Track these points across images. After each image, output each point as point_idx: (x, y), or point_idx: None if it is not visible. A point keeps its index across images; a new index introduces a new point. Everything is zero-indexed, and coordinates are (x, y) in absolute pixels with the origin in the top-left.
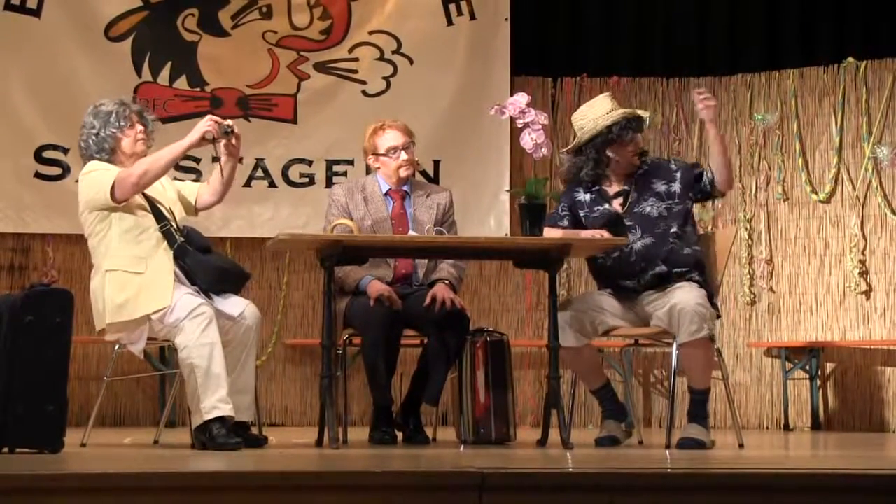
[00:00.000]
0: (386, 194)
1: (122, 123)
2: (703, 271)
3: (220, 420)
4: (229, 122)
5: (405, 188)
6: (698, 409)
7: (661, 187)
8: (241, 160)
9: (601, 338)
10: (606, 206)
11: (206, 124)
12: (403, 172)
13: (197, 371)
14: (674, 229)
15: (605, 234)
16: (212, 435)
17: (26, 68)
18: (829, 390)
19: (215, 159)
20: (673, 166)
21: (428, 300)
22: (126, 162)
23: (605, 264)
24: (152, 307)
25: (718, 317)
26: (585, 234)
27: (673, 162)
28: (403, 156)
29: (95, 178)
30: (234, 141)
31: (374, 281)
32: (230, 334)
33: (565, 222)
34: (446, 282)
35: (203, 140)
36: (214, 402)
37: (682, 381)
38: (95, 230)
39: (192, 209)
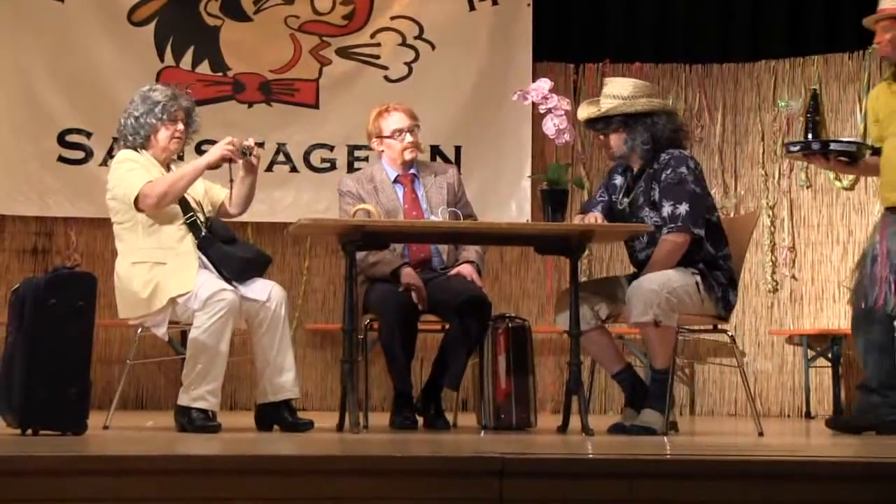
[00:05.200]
0: (395, 181)
1: (165, 116)
2: (715, 266)
3: (203, 411)
4: (249, 141)
5: (412, 171)
6: (654, 389)
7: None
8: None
9: (619, 324)
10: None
11: (225, 147)
12: (408, 155)
13: (204, 352)
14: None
15: (599, 218)
16: (191, 418)
17: (50, 53)
18: (851, 378)
19: (231, 180)
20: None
21: (454, 272)
22: (158, 153)
23: (631, 254)
24: (175, 291)
25: (731, 307)
26: (577, 218)
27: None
28: (408, 138)
29: (125, 178)
30: (253, 160)
31: (409, 269)
32: (260, 316)
33: (598, 209)
34: (473, 262)
35: (223, 159)
36: (204, 392)
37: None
38: (123, 217)
39: (217, 211)
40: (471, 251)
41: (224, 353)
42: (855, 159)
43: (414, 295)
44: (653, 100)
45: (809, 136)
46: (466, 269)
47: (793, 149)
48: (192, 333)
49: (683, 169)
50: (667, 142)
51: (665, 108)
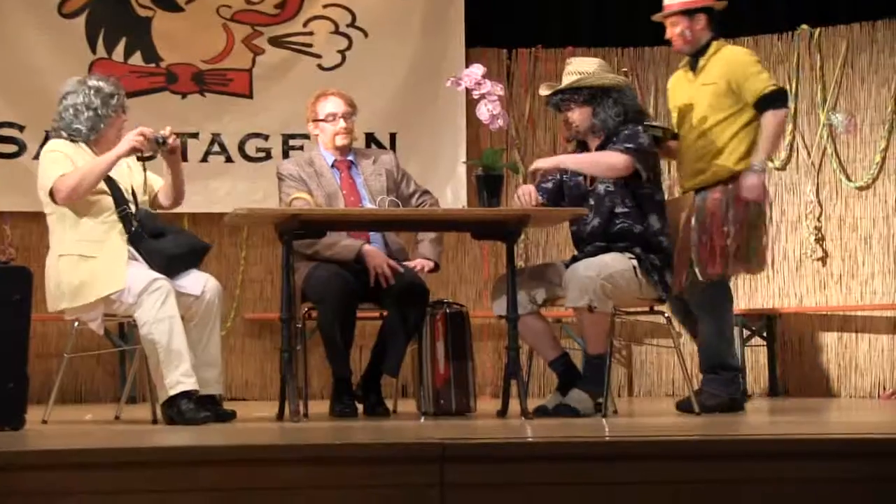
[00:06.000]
0: (332, 166)
1: (120, 108)
2: (652, 248)
3: (186, 395)
4: (164, 131)
5: (350, 158)
6: (586, 372)
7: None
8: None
9: (557, 307)
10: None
11: (134, 138)
12: (339, 141)
13: (158, 347)
14: (620, 209)
15: (534, 194)
16: (180, 410)
17: None
18: (787, 356)
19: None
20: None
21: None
22: (108, 146)
23: (575, 233)
24: (106, 290)
25: (669, 288)
26: (518, 191)
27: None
28: (341, 123)
29: (47, 169)
30: (170, 144)
31: (373, 249)
32: (193, 309)
33: (549, 185)
34: (430, 259)
35: (134, 151)
36: (178, 377)
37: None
38: (51, 209)
39: (151, 202)
40: (426, 240)
41: (179, 332)
42: (659, 142)
43: (382, 276)
44: (618, 76)
45: None
46: (420, 266)
47: None
48: (142, 331)
49: (640, 128)
50: (634, 118)
51: (629, 85)
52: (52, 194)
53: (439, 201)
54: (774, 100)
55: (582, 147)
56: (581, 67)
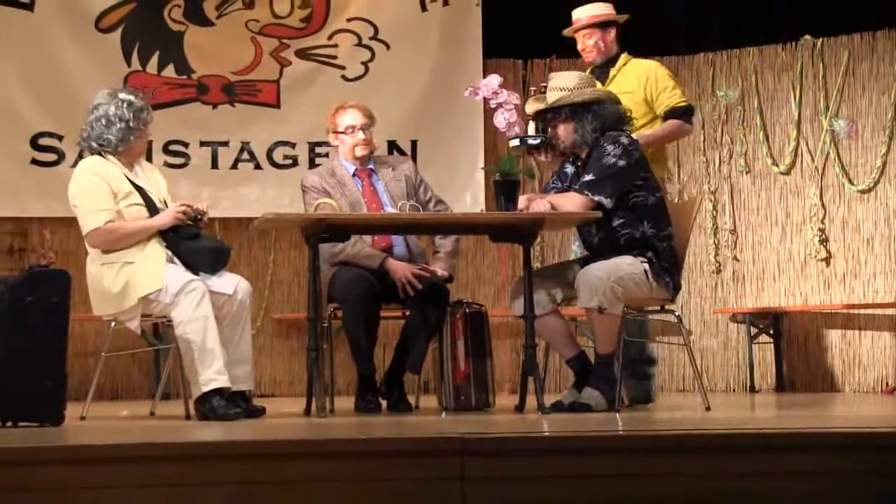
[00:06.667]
0: (353, 175)
1: (146, 123)
2: (659, 249)
3: (219, 391)
4: (201, 206)
5: (370, 166)
6: (597, 371)
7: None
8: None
9: (572, 306)
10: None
11: (177, 212)
12: (359, 152)
13: (193, 345)
14: (616, 221)
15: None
16: (212, 406)
17: (21, 60)
18: (793, 353)
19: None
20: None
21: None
22: (132, 157)
23: (585, 242)
24: (146, 290)
25: (679, 288)
26: (522, 200)
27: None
28: (360, 135)
29: (87, 202)
30: (201, 223)
31: (395, 262)
32: (225, 309)
33: (557, 187)
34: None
35: (175, 223)
36: (211, 374)
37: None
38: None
39: None
40: (443, 252)
41: (213, 331)
42: (542, 149)
43: (408, 286)
44: (597, 89)
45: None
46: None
47: (513, 143)
48: (177, 330)
49: (609, 146)
50: (612, 127)
51: (609, 96)
52: (87, 235)
53: (459, 205)
54: (684, 112)
55: (575, 159)
56: (562, 83)
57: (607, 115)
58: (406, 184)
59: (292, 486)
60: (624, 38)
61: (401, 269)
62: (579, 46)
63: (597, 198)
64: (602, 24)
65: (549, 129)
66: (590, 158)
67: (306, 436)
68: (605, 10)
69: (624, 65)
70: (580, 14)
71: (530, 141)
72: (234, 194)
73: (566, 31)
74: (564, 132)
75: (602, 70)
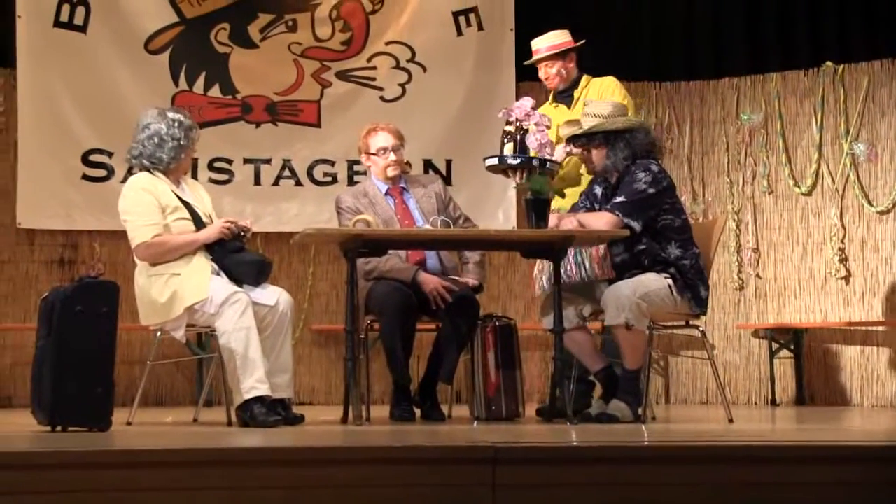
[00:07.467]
0: (386, 194)
1: (194, 141)
2: (684, 269)
3: (260, 399)
4: (245, 222)
5: (401, 185)
6: (624, 385)
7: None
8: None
9: (599, 321)
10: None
11: (223, 227)
12: (391, 172)
13: (235, 354)
14: (639, 247)
15: (574, 219)
16: (253, 414)
17: (74, 80)
18: (813, 368)
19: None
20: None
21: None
22: (179, 174)
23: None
24: (191, 300)
25: (703, 312)
26: (553, 218)
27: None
28: (392, 156)
29: (133, 216)
30: (245, 239)
31: (426, 276)
32: (267, 320)
33: (585, 207)
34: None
35: (219, 238)
36: (253, 382)
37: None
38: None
39: None
40: (472, 262)
41: (255, 341)
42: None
43: (439, 298)
44: (630, 118)
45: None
46: (468, 283)
47: (490, 162)
48: (220, 340)
49: (640, 173)
50: (643, 155)
51: (642, 125)
52: (136, 248)
53: (491, 222)
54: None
55: (604, 180)
56: (597, 110)
57: (638, 144)
58: (437, 200)
59: (330, 490)
60: (647, 61)
61: (431, 282)
62: (541, 75)
63: (626, 220)
64: (562, 53)
65: (583, 152)
66: (621, 183)
67: (344, 443)
68: (563, 39)
69: (585, 86)
70: (539, 45)
71: (510, 160)
72: (276, 210)
73: (527, 62)
74: (597, 157)
75: (566, 94)
